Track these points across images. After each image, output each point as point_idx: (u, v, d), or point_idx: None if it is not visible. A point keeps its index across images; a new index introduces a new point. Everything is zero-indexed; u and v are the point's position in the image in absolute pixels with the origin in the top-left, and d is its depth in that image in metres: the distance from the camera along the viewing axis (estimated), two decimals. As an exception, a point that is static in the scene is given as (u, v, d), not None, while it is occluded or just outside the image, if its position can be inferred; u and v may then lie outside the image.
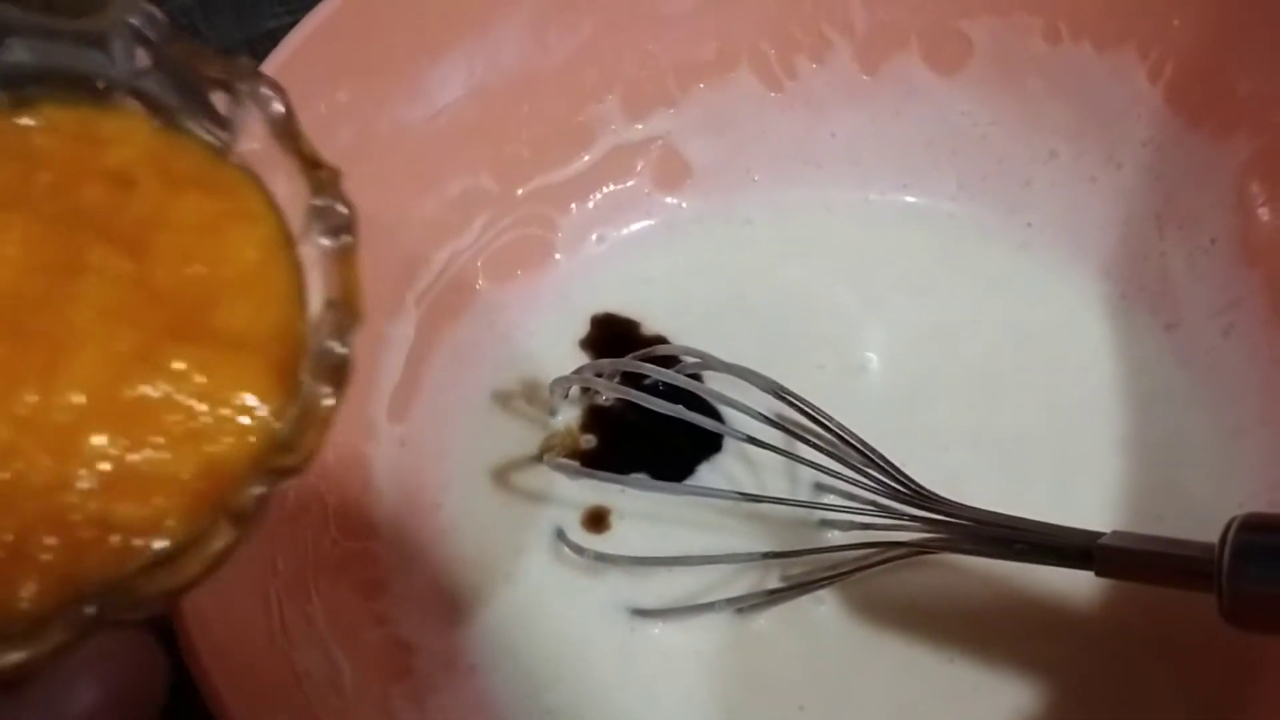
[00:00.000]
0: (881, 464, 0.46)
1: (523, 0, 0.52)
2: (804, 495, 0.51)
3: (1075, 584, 0.47)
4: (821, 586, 0.48)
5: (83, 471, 0.26)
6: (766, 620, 0.49)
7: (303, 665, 0.43)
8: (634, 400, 0.49)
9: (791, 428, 0.47)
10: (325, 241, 0.29)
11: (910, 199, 0.58)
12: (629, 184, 0.58)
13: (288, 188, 0.30)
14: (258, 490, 0.26)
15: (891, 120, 0.58)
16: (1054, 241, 0.56)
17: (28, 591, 0.25)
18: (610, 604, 0.50)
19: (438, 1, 0.50)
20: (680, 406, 0.48)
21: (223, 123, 0.31)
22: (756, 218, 0.58)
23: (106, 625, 0.25)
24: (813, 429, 0.47)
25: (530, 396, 0.54)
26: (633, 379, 0.50)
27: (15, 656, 0.24)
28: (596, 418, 0.53)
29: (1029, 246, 0.56)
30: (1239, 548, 0.38)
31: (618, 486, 0.51)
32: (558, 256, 0.57)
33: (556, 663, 0.49)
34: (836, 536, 0.49)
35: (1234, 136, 0.51)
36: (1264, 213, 0.51)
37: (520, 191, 0.56)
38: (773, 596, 0.48)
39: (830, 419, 0.47)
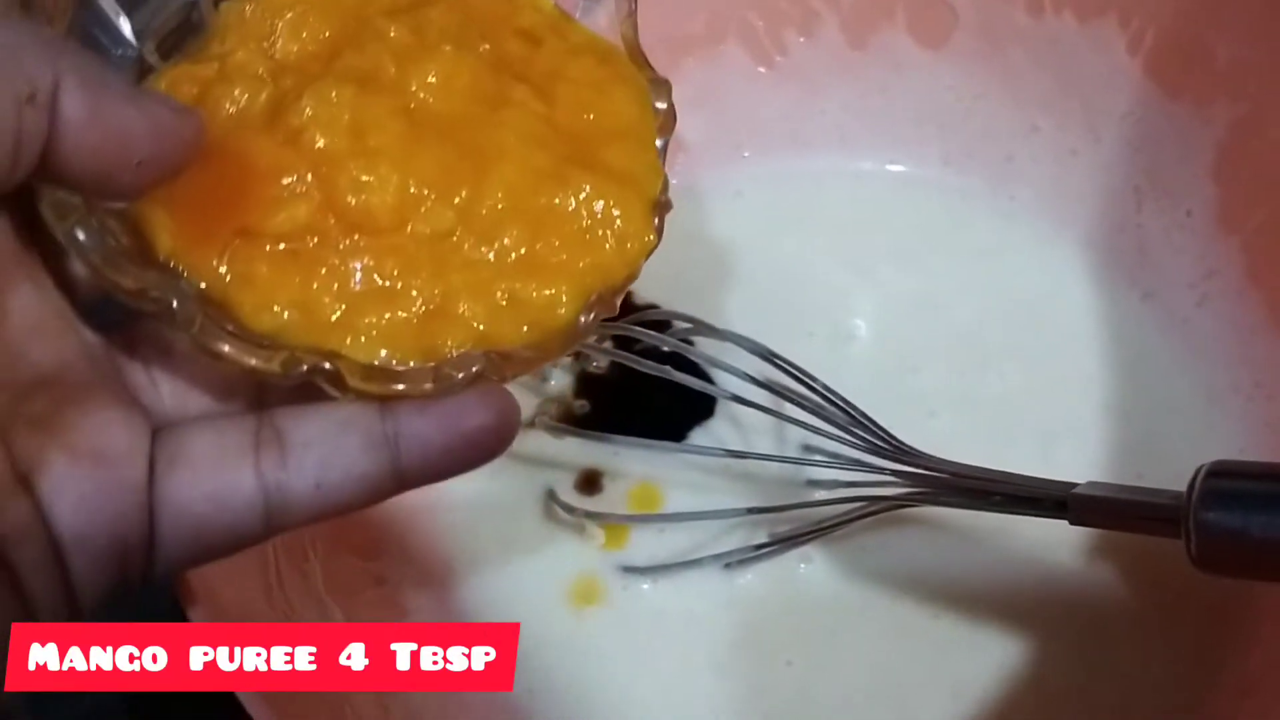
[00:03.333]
0: (866, 422, 0.47)
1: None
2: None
3: (1056, 541, 0.49)
4: (807, 541, 0.49)
5: (501, 255, 0.33)
6: (755, 579, 0.50)
7: (300, 620, 0.43)
8: (624, 362, 0.50)
9: (780, 390, 0.48)
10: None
11: (897, 172, 0.59)
12: (621, 158, 0.58)
13: None
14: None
15: (879, 96, 0.59)
16: (1037, 213, 0.57)
17: (453, 342, 0.32)
18: (602, 563, 0.51)
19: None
20: (668, 367, 0.49)
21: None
22: (746, 190, 0.59)
23: (485, 379, 0.32)
24: (800, 391, 0.48)
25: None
26: (625, 344, 0.51)
27: (428, 387, 0.32)
28: (589, 384, 0.54)
29: (1013, 218, 0.58)
30: (1206, 493, 0.38)
31: (611, 450, 0.52)
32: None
33: (549, 620, 0.50)
34: (823, 495, 0.50)
35: (1212, 106, 0.52)
36: (1239, 184, 0.52)
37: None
38: (759, 551, 0.49)
39: (816, 380, 0.48)
